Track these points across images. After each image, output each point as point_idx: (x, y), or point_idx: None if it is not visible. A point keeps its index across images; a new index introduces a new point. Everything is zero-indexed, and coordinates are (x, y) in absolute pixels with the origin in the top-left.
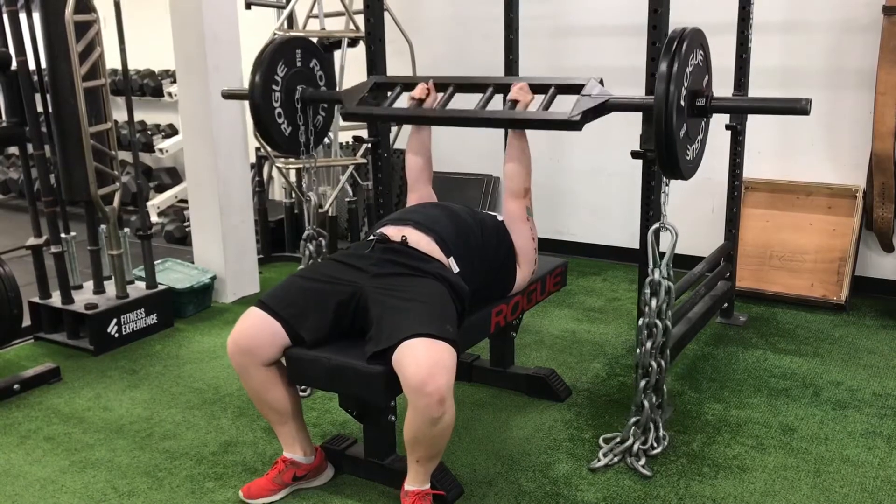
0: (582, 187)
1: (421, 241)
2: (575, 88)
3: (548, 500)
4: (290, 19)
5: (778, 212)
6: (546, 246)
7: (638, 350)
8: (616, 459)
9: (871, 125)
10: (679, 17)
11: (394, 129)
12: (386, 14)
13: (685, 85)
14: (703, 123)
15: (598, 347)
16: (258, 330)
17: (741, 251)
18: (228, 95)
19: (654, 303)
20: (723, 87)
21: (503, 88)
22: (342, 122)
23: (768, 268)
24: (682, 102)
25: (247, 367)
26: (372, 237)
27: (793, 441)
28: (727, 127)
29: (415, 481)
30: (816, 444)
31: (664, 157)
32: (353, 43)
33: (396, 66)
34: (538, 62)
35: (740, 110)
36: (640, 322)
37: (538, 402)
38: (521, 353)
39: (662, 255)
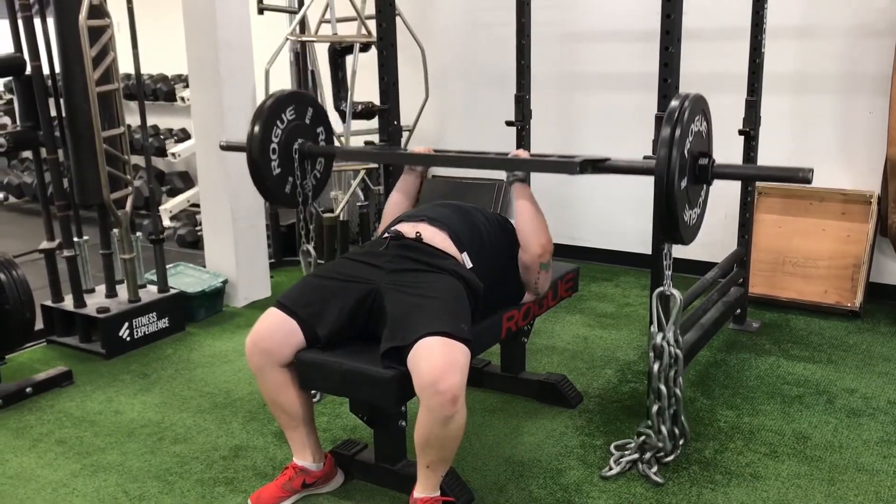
0: (594, 192)
1: (436, 238)
2: (571, 157)
3: None
4: (303, 24)
5: (791, 217)
6: (558, 251)
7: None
8: (628, 466)
9: (885, 131)
10: (692, 23)
11: (405, 133)
12: (398, 19)
13: (686, 151)
14: (703, 189)
15: (610, 353)
16: (277, 330)
17: (754, 257)
18: (227, 147)
19: (656, 367)
20: (736, 93)
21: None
22: (354, 128)
23: (781, 274)
24: (684, 169)
25: (264, 368)
26: (386, 234)
27: (806, 449)
28: (740, 132)
29: (425, 488)
30: (830, 452)
31: (665, 223)
32: (364, 48)
33: (408, 71)
34: (549, 68)
35: (742, 177)
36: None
37: (549, 409)
38: (533, 358)
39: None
